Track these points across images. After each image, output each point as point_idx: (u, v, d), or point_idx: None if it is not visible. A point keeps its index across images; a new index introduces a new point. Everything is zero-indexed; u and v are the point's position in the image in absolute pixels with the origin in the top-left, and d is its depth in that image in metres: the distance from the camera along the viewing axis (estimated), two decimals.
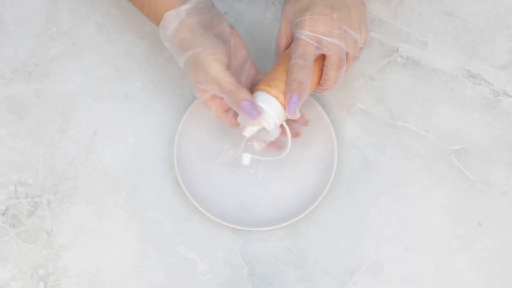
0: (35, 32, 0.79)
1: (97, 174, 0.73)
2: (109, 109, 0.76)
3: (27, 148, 0.74)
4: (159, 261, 0.70)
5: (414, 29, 0.81)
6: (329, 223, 0.72)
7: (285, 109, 0.64)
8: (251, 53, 0.70)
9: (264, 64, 0.75)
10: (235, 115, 0.66)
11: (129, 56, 0.78)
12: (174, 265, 0.70)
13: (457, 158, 0.75)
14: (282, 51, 0.67)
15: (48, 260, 0.70)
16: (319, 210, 0.72)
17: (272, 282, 0.70)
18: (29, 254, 0.70)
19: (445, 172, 0.74)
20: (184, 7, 0.64)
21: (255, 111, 0.61)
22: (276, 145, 0.70)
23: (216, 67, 0.62)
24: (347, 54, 0.64)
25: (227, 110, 0.66)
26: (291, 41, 0.66)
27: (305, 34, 0.62)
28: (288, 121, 0.67)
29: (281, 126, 0.66)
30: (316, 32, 0.62)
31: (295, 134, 0.71)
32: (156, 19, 0.66)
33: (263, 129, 0.65)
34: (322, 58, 0.64)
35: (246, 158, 0.68)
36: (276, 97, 0.63)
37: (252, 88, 0.67)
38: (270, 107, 0.63)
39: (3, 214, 0.71)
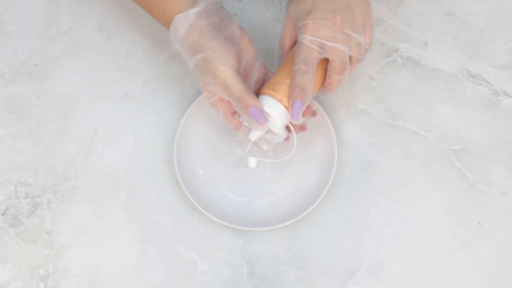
0: (35, 32, 0.79)
1: (97, 174, 0.73)
2: (109, 109, 0.76)
3: (27, 148, 0.74)
4: (159, 261, 0.70)
5: (414, 29, 0.81)
6: (329, 223, 0.72)
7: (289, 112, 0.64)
8: (259, 53, 0.70)
9: (264, 63, 0.75)
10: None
11: (129, 56, 0.78)
12: (174, 265, 0.70)
13: (457, 158, 0.75)
14: (286, 51, 0.67)
15: (48, 260, 0.70)
16: (319, 210, 0.72)
17: (272, 282, 0.70)
18: (29, 254, 0.70)
19: (445, 172, 0.74)
20: (194, 10, 0.64)
21: (262, 118, 0.62)
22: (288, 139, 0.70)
23: (225, 72, 0.62)
24: (350, 57, 0.63)
25: (234, 112, 0.67)
26: (295, 40, 0.66)
27: (308, 39, 0.61)
28: None
29: (287, 127, 0.66)
30: (318, 37, 0.61)
31: (301, 128, 0.70)
32: (165, 22, 0.66)
33: (270, 131, 0.65)
34: (326, 60, 0.64)
35: (253, 161, 0.69)
36: (280, 101, 0.63)
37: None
38: (275, 111, 0.63)
39: (3, 214, 0.71)
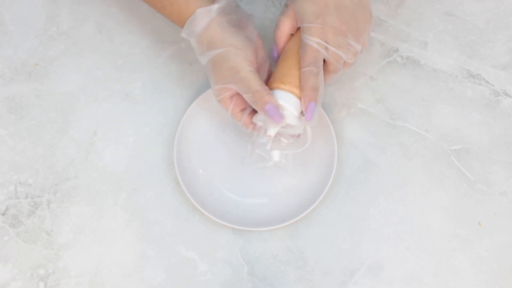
0: (35, 32, 0.79)
1: (97, 174, 0.73)
2: (109, 109, 0.76)
3: (27, 148, 0.74)
4: (159, 261, 0.70)
5: (414, 29, 0.81)
6: (329, 223, 0.72)
7: (301, 101, 0.65)
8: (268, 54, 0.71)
9: None
10: (250, 115, 0.67)
11: (129, 56, 0.78)
12: (174, 265, 0.70)
13: (457, 158, 0.75)
14: (284, 40, 0.68)
15: (48, 260, 0.70)
16: (319, 210, 0.72)
17: (272, 282, 0.70)
18: (29, 254, 0.70)
19: (445, 172, 0.74)
20: (216, 6, 0.65)
21: (279, 115, 0.63)
22: (300, 136, 0.71)
23: (246, 68, 0.63)
24: (344, 62, 0.66)
25: (243, 109, 0.67)
26: (293, 32, 0.68)
27: (316, 41, 0.64)
28: None
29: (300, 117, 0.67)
30: (325, 41, 0.64)
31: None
32: (179, 19, 0.67)
33: (288, 125, 0.66)
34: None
35: (276, 155, 0.69)
36: (292, 92, 0.65)
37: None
38: (290, 104, 0.64)
39: (3, 214, 0.71)
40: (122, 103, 0.76)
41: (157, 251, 0.70)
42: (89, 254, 0.70)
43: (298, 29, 0.67)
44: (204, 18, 0.65)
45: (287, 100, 0.64)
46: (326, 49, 0.64)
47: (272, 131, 0.66)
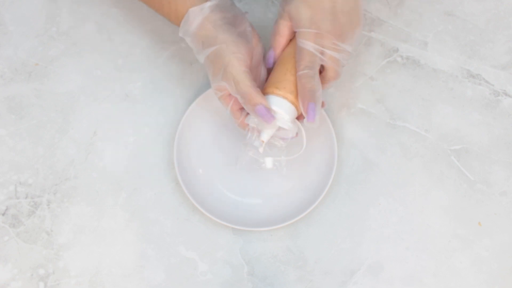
0: (35, 32, 0.79)
1: (97, 174, 0.73)
2: (109, 109, 0.76)
3: (27, 148, 0.74)
4: (159, 261, 0.70)
5: (414, 29, 0.81)
6: (329, 223, 0.72)
7: (296, 107, 0.65)
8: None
9: None
10: (247, 116, 0.67)
11: (129, 56, 0.78)
12: (174, 265, 0.70)
13: (457, 158, 0.75)
14: (283, 46, 0.68)
15: (48, 260, 0.70)
16: (319, 210, 0.72)
17: (272, 282, 0.70)
18: (29, 254, 0.70)
19: (445, 172, 0.74)
20: (208, 4, 0.65)
21: (269, 115, 0.63)
22: (295, 137, 0.70)
23: (237, 67, 0.63)
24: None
25: (242, 108, 0.67)
26: (291, 37, 0.67)
27: (312, 46, 0.64)
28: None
29: (295, 122, 0.67)
30: (321, 46, 0.64)
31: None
32: (176, 18, 0.67)
33: (280, 129, 0.66)
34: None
35: (269, 162, 0.69)
36: (285, 97, 0.64)
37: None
38: (282, 108, 0.64)
39: (3, 214, 0.71)
40: (122, 103, 0.76)
41: (157, 251, 0.70)
42: (89, 254, 0.70)
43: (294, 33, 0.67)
44: (197, 17, 0.64)
45: (280, 106, 0.64)
46: (323, 53, 0.64)
47: (265, 136, 0.65)
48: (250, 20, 0.68)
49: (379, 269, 0.70)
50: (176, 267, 0.70)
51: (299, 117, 0.67)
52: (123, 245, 0.71)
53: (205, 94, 0.74)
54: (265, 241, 0.71)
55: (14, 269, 0.69)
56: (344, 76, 0.78)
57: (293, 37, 0.67)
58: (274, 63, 0.68)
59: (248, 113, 0.66)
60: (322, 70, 0.66)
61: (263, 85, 0.69)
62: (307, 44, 0.64)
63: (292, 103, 0.64)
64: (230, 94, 0.65)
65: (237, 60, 0.63)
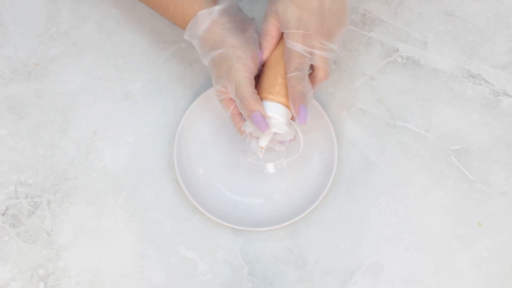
0: (35, 32, 0.79)
1: (97, 174, 0.73)
2: (109, 109, 0.76)
3: (27, 148, 0.74)
4: (159, 261, 0.70)
5: (414, 29, 0.81)
6: (329, 223, 0.72)
7: (289, 109, 0.65)
8: None
9: None
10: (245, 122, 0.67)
11: (129, 56, 0.78)
12: (174, 265, 0.70)
13: (457, 158, 0.75)
14: (273, 46, 0.67)
15: (48, 260, 0.70)
16: (319, 210, 0.72)
17: (272, 282, 0.70)
18: (29, 254, 0.70)
19: (445, 172, 0.74)
20: (217, 8, 0.65)
21: (264, 124, 0.63)
22: (293, 139, 0.70)
23: (241, 72, 0.63)
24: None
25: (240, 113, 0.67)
26: (279, 36, 0.66)
27: (300, 47, 0.63)
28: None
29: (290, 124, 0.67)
30: (310, 46, 0.63)
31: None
32: (182, 20, 0.67)
33: (277, 133, 0.66)
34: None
35: (271, 167, 0.69)
36: (279, 102, 0.64)
37: None
38: (278, 113, 0.64)
39: (3, 214, 0.71)
40: (122, 103, 0.76)
41: (157, 251, 0.70)
42: (89, 254, 0.70)
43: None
44: (206, 20, 0.65)
45: (275, 111, 0.64)
46: (312, 54, 0.63)
47: (263, 142, 0.65)
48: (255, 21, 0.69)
49: (379, 269, 0.70)
50: (176, 267, 0.70)
51: (291, 118, 0.67)
52: (123, 245, 0.71)
53: (205, 94, 0.74)
54: (265, 241, 0.71)
55: (14, 269, 0.69)
56: (344, 76, 0.78)
57: (281, 39, 0.67)
58: (263, 66, 0.67)
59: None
60: (312, 70, 0.66)
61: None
62: (296, 45, 0.63)
63: (286, 106, 0.65)
64: (231, 98, 0.66)
65: (242, 65, 0.63)
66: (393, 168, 0.74)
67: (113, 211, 0.72)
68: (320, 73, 0.65)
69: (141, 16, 0.79)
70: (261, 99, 0.65)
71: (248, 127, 0.65)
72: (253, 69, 0.64)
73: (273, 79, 0.65)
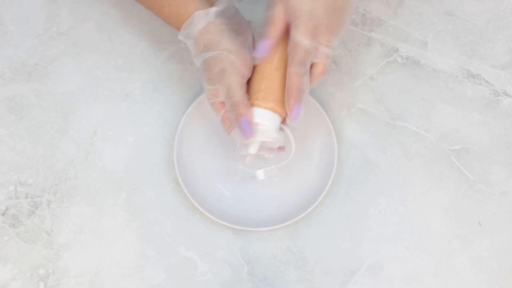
0: (35, 32, 0.79)
1: (97, 174, 0.73)
2: (109, 109, 0.76)
3: (27, 148, 0.74)
4: (159, 261, 0.70)
5: (414, 29, 0.81)
6: (329, 223, 0.72)
7: (279, 114, 0.64)
8: None
9: None
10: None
11: (129, 56, 0.78)
12: (174, 265, 0.70)
13: (457, 158, 0.75)
14: (279, 35, 0.65)
15: (48, 260, 0.70)
16: (319, 210, 0.72)
17: (272, 282, 0.70)
18: (29, 254, 0.70)
19: (445, 172, 0.74)
20: (214, 9, 0.65)
21: (249, 131, 0.62)
22: (282, 148, 0.70)
23: (234, 75, 0.63)
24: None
25: None
26: (285, 27, 0.64)
27: (308, 42, 0.62)
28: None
29: (280, 128, 0.66)
30: (317, 42, 0.62)
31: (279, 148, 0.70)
32: (177, 21, 0.67)
33: (266, 140, 0.65)
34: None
35: (261, 174, 0.69)
36: (267, 108, 0.64)
37: None
38: (266, 119, 0.63)
39: (3, 214, 0.71)
40: (122, 103, 0.76)
41: (157, 251, 0.70)
42: (89, 254, 0.70)
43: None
44: (202, 21, 0.65)
45: (263, 117, 0.63)
46: (316, 50, 0.62)
47: (252, 149, 0.65)
48: (250, 20, 0.69)
49: (379, 269, 0.70)
50: (176, 267, 0.70)
51: (282, 122, 0.66)
52: (123, 245, 0.71)
53: (205, 94, 0.74)
54: (265, 241, 0.71)
55: (14, 269, 0.69)
56: (344, 76, 0.78)
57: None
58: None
59: None
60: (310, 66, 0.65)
61: None
62: (304, 40, 0.62)
63: (275, 111, 0.64)
64: (222, 102, 0.65)
65: (234, 69, 0.63)
66: (393, 168, 0.74)
67: (113, 211, 0.72)
68: (319, 69, 0.64)
69: (141, 16, 0.79)
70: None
71: (237, 135, 0.64)
72: (245, 74, 0.64)
73: (260, 84, 0.64)
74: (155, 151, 0.74)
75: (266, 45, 0.64)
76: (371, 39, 0.80)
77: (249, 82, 0.66)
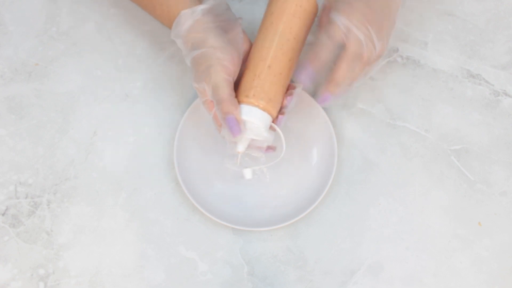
0: (35, 32, 0.79)
1: (97, 174, 0.73)
2: (109, 109, 0.76)
3: (27, 148, 0.74)
4: (159, 261, 0.70)
5: (414, 29, 0.81)
6: (329, 223, 0.72)
7: (269, 113, 0.64)
8: None
9: None
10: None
11: (129, 56, 0.78)
12: (174, 265, 0.70)
13: (457, 158, 0.75)
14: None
15: (48, 260, 0.70)
16: (319, 210, 0.72)
17: (272, 282, 0.70)
18: (29, 254, 0.70)
19: (445, 172, 0.74)
20: (201, 7, 0.65)
21: (237, 128, 0.62)
22: (273, 148, 0.70)
23: (219, 72, 0.62)
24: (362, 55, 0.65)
25: None
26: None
27: (340, 20, 0.63)
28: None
29: (271, 127, 0.66)
30: (350, 20, 0.63)
31: (270, 148, 0.70)
32: (168, 20, 0.67)
33: (255, 139, 0.65)
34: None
35: (248, 173, 0.69)
36: (257, 105, 0.63)
37: None
38: (256, 117, 0.63)
39: (3, 214, 0.71)
40: (122, 103, 0.76)
41: (157, 251, 0.70)
42: (89, 254, 0.70)
43: (261, 30, 0.67)
44: (188, 19, 0.65)
45: (252, 115, 0.63)
46: (348, 31, 0.63)
47: (240, 147, 0.65)
48: (250, 21, 0.69)
49: (379, 269, 0.70)
50: (176, 267, 0.70)
51: (273, 121, 0.66)
52: (123, 245, 0.71)
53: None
54: (265, 241, 0.71)
55: (14, 269, 0.69)
56: None
57: (260, 32, 0.67)
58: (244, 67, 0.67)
59: None
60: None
61: None
62: (337, 18, 0.63)
63: (265, 109, 0.63)
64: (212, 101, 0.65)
65: (220, 66, 0.63)
66: (393, 168, 0.74)
67: (113, 211, 0.72)
68: (348, 50, 0.64)
69: (141, 16, 0.79)
70: (238, 102, 0.64)
71: (225, 133, 0.64)
72: (232, 71, 0.64)
73: (251, 81, 0.64)
74: (155, 151, 0.74)
75: (309, 74, 0.66)
76: None
77: (240, 78, 0.66)
